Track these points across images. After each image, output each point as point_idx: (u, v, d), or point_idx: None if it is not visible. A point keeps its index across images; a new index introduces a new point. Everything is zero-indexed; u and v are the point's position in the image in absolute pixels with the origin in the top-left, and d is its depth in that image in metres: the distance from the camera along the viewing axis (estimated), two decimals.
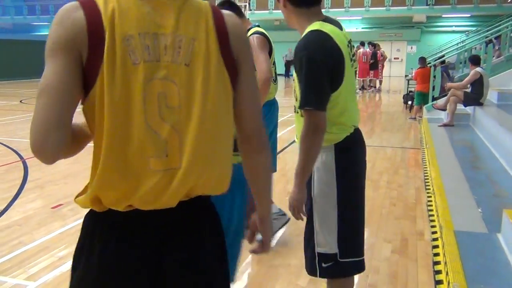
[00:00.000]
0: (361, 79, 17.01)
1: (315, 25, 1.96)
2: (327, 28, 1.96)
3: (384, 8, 23.18)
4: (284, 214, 3.67)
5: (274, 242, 3.59)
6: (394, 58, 25.99)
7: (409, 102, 11.83)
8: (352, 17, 24.49)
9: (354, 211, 2.12)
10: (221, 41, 1.14)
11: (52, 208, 4.46)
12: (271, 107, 3.51)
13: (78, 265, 1.19)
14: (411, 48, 25.86)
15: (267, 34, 3.32)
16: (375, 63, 17.07)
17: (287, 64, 25.60)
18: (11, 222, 4.09)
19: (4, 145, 7.53)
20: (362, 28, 26.53)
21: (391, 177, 5.63)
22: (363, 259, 2.18)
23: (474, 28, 22.22)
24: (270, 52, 3.29)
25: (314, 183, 2.06)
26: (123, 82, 1.04)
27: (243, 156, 1.32)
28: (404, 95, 13.06)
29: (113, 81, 1.03)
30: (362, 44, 17.26)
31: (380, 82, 18.09)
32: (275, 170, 3.66)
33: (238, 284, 2.93)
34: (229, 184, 1.23)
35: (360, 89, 16.82)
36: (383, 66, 18.17)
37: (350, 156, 2.08)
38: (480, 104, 8.12)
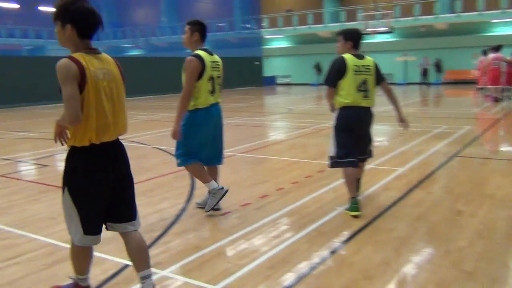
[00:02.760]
0: (492, 87, 15.49)
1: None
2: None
3: None
4: (222, 188, 4.66)
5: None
6: None
7: None
8: (509, 19, 22.29)
9: (343, 138, 4.70)
10: (120, 72, 2.82)
11: (221, 215, 4.73)
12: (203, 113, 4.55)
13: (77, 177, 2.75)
14: None
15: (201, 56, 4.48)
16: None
17: (424, 72, 25.38)
18: (186, 226, 4.43)
19: (171, 154, 8.25)
20: None
21: None
22: (353, 161, 4.67)
23: None
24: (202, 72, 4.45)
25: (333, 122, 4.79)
26: (96, 88, 2.60)
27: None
28: None
29: (93, 88, 2.59)
30: (484, 52, 15.85)
31: None
32: (220, 163, 4.96)
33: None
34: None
35: (495, 100, 15.34)
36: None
37: (344, 113, 4.71)
38: None
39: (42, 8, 45.05)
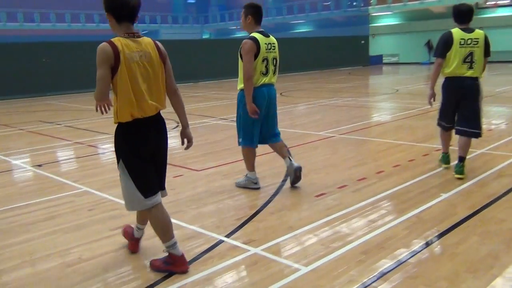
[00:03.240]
0: None
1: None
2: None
3: None
4: (256, 183, 5.03)
5: None
6: None
7: None
8: None
9: (443, 105, 5.31)
10: (159, 54, 3.03)
11: (316, 196, 4.67)
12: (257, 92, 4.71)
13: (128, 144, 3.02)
14: None
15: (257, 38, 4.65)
16: None
17: None
18: (282, 206, 4.44)
19: None
20: None
21: None
22: (444, 125, 5.37)
23: None
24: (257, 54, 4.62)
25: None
26: (130, 68, 2.85)
27: (172, 98, 3.26)
28: None
29: (127, 68, 2.84)
30: None
31: None
32: (278, 141, 5.09)
33: None
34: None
35: None
36: None
37: (447, 82, 5.17)
38: None
39: None
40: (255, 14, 4.71)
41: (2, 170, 6.55)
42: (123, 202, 3.08)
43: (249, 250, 3.44)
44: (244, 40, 4.64)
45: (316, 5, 39.36)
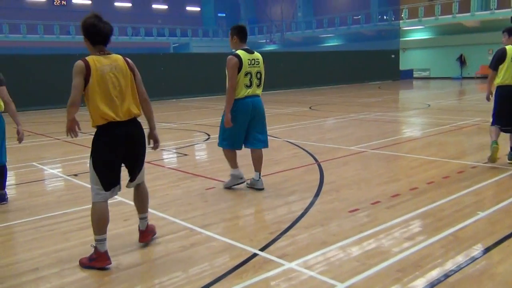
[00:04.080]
0: None
1: None
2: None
3: None
4: (242, 177, 5.61)
5: None
6: None
7: None
8: None
9: (497, 109, 6.39)
10: (127, 65, 3.68)
11: (349, 212, 4.64)
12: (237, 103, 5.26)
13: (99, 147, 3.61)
14: None
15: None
16: None
17: None
18: (314, 221, 4.42)
19: (301, 147, 8.33)
20: None
21: None
22: (501, 128, 6.35)
23: None
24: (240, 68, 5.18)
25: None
26: (102, 78, 3.50)
27: (143, 105, 3.79)
28: None
29: (97, 79, 3.48)
30: None
31: None
32: (260, 147, 5.58)
33: None
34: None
35: None
36: None
37: (499, 90, 6.35)
38: None
39: (189, 8, 48.45)
40: (239, 34, 5.34)
41: (39, 178, 6.75)
42: (157, 212, 3.22)
43: (283, 265, 3.44)
44: (228, 57, 5.24)
45: (346, 19, 39.36)
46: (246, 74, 5.23)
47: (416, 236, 3.94)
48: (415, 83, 30.93)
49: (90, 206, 3.64)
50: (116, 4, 44.05)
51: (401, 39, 35.56)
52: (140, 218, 4.02)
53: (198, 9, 49.94)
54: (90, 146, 3.61)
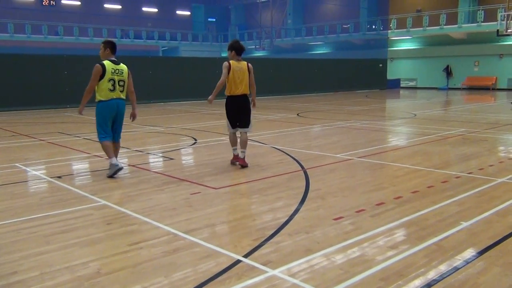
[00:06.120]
0: None
1: None
2: None
3: None
4: (118, 164, 6.59)
5: None
6: None
7: None
8: None
9: None
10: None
11: (334, 219, 4.64)
12: None
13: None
14: None
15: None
16: None
17: None
18: (299, 228, 4.41)
19: (287, 154, 8.33)
20: None
21: None
22: None
23: None
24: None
25: None
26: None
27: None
28: None
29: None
30: None
31: None
32: (117, 141, 6.97)
33: None
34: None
35: None
36: None
37: None
38: None
39: (179, 12, 48.41)
40: (111, 47, 6.72)
41: (21, 180, 6.65)
42: (141, 217, 3.13)
43: (267, 272, 3.42)
44: (95, 65, 6.50)
45: (335, 27, 39.65)
46: (109, 80, 6.54)
47: (400, 245, 3.95)
48: (402, 92, 31.21)
49: (72, 209, 3.57)
50: (106, 5, 43.83)
51: (389, 48, 35.94)
52: (241, 152, 7.06)
53: (188, 13, 49.92)
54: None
